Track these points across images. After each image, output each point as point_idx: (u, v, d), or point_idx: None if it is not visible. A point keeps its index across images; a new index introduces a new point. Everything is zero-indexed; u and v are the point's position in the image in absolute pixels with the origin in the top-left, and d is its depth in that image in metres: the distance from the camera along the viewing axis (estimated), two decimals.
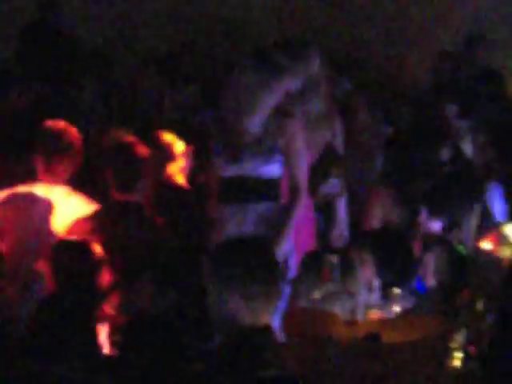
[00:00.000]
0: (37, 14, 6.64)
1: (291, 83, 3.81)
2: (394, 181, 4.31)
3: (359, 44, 7.25)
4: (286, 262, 3.58)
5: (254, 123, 3.56)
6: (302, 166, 3.69)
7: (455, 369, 2.85)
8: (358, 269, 3.06)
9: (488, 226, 3.60)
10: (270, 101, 3.56)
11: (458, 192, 3.69)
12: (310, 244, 3.95)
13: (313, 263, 3.20)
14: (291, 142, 3.60)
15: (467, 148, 4.88)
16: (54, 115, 3.90)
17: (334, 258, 3.12)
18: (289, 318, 3.22)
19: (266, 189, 3.59)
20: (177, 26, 7.29)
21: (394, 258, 3.40)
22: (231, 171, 3.58)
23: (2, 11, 6.90)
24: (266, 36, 6.49)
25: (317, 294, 3.16)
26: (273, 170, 3.59)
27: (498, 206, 4.07)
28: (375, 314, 3.19)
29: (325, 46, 5.15)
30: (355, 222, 4.35)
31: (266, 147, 3.59)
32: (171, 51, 6.57)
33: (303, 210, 3.76)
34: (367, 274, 3.30)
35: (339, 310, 3.01)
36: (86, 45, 6.52)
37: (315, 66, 4.03)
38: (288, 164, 3.61)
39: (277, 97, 3.60)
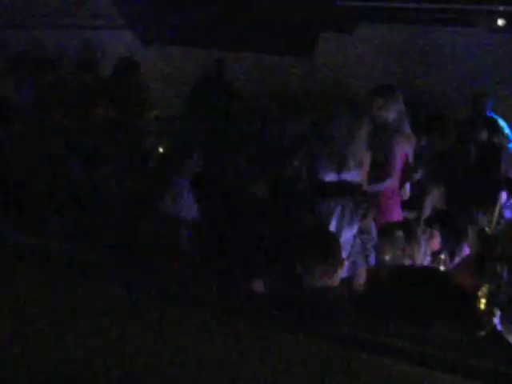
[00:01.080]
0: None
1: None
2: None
3: None
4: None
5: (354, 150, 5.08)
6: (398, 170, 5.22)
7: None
8: (421, 240, 4.35)
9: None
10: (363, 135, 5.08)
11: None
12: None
13: (385, 235, 4.52)
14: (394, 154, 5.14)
15: None
16: None
17: (401, 232, 4.54)
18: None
19: (350, 188, 5.10)
20: None
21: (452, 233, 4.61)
22: (331, 177, 5.11)
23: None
24: None
25: (387, 257, 4.56)
26: (353, 176, 5.10)
27: None
28: None
29: None
30: None
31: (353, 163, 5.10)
32: None
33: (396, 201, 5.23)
34: (434, 245, 4.57)
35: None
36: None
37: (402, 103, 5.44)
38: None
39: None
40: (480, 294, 3.98)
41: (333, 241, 3.69)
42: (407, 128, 5.36)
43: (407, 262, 4.36)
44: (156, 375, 2.21)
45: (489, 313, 3.84)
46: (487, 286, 4.03)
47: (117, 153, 5.66)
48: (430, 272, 3.86)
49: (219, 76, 7.68)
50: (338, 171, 4.99)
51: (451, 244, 4.54)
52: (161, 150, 6.34)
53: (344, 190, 4.98)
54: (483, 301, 3.95)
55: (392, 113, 5.27)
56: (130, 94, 6.53)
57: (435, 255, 4.53)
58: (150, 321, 2.23)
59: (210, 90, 7.30)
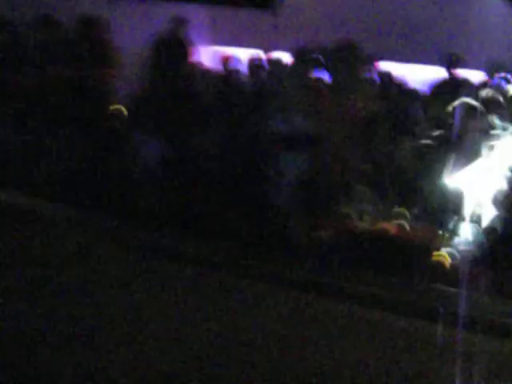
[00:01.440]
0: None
1: None
2: None
3: None
4: None
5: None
6: None
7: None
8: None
9: None
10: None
11: None
12: None
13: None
14: None
15: None
16: None
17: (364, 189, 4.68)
18: None
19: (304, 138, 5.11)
20: None
21: None
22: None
23: None
24: None
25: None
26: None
27: None
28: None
29: None
30: None
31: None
32: None
33: None
34: None
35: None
36: None
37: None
38: None
39: None
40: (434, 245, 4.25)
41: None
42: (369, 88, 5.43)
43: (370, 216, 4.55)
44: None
45: (441, 263, 4.10)
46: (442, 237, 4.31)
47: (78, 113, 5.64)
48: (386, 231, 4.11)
49: (177, 35, 7.62)
50: (287, 120, 5.07)
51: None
52: (124, 109, 6.32)
53: (299, 140, 5.00)
54: (438, 252, 4.20)
55: (353, 69, 5.33)
56: (93, 52, 6.46)
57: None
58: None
59: (169, 49, 7.27)
